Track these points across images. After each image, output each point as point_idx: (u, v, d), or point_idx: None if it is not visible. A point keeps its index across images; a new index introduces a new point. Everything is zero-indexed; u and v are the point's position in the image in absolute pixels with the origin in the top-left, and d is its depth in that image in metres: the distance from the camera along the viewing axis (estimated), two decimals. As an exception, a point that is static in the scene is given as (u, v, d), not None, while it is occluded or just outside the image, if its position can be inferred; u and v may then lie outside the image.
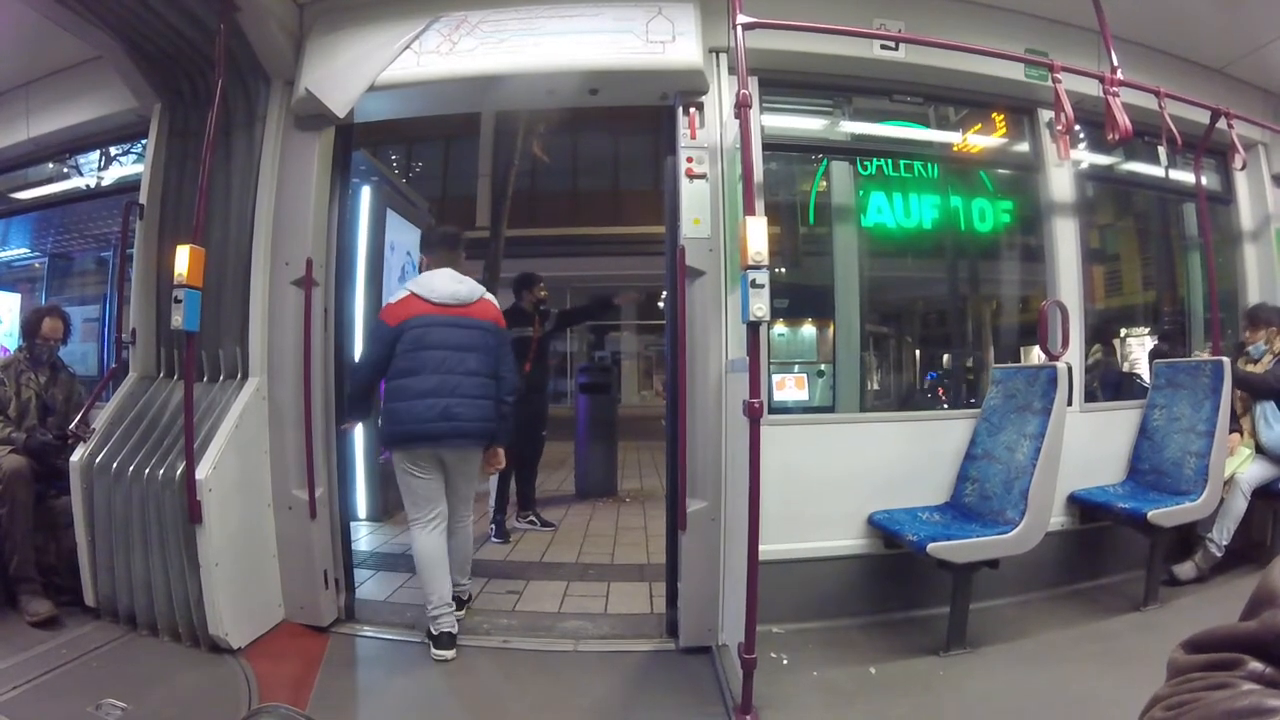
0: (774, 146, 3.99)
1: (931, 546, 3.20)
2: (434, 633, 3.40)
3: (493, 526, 5.40)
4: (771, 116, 3.97)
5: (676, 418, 3.54)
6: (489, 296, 3.69)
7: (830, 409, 4.30)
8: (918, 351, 5.62)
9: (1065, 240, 4.27)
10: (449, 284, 3.54)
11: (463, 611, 3.74)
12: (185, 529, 3.33)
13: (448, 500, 3.56)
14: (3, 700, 2.75)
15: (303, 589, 3.70)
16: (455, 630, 3.43)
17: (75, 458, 3.60)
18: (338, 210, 3.93)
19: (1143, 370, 5.37)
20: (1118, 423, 4.37)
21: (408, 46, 3.61)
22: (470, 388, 3.45)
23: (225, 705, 2.90)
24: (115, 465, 3.51)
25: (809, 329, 5.21)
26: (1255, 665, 0.58)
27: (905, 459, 3.85)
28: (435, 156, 18.32)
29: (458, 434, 3.43)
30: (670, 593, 3.69)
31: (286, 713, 0.93)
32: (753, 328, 2.72)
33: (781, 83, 3.96)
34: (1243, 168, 4.55)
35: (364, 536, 5.43)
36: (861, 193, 4.31)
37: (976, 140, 4.55)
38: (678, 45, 3.52)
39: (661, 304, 3.77)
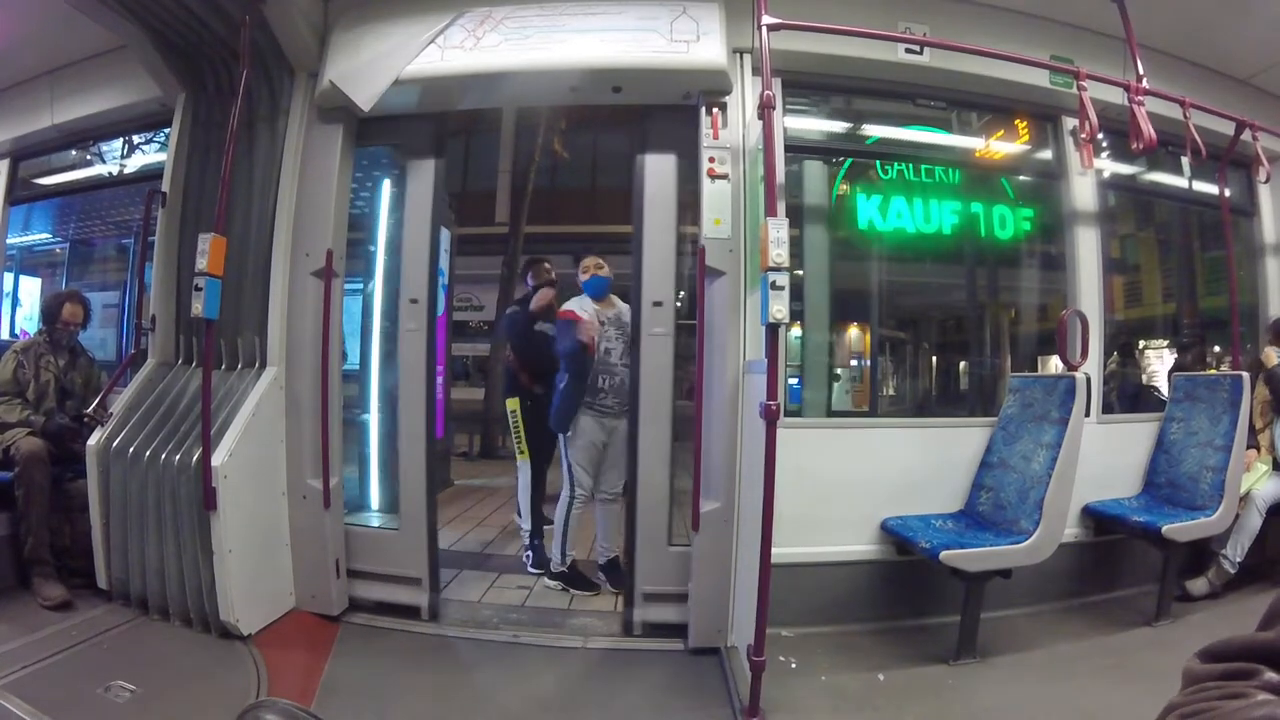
0: (796, 148, 3.97)
1: (945, 554, 3.18)
2: None
3: (528, 554, 4.68)
4: (794, 118, 3.96)
5: (692, 418, 3.53)
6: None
7: (846, 413, 4.28)
8: (934, 358, 5.58)
9: (1086, 249, 4.23)
10: None
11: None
12: (199, 515, 3.35)
13: None
14: (13, 679, 2.77)
15: (314, 578, 3.72)
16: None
17: (92, 442, 3.63)
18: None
19: (1160, 383, 5.32)
20: (1134, 435, 4.32)
21: (432, 41, 3.62)
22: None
23: (234, 690, 2.92)
24: (132, 450, 3.54)
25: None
26: (1271, 675, 0.58)
27: (920, 465, 3.82)
28: (455, 151, 18.34)
29: None
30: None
31: (285, 707, 0.93)
32: (772, 330, 2.71)
33: (805, 84, 3.95)
34: (1266, 180, 4.51)
35: (375, 528, 5.45)
36: (881, 197, 4.29)
37: (999, 146, 4.51)
38: (702, 45, 3.51)
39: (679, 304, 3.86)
